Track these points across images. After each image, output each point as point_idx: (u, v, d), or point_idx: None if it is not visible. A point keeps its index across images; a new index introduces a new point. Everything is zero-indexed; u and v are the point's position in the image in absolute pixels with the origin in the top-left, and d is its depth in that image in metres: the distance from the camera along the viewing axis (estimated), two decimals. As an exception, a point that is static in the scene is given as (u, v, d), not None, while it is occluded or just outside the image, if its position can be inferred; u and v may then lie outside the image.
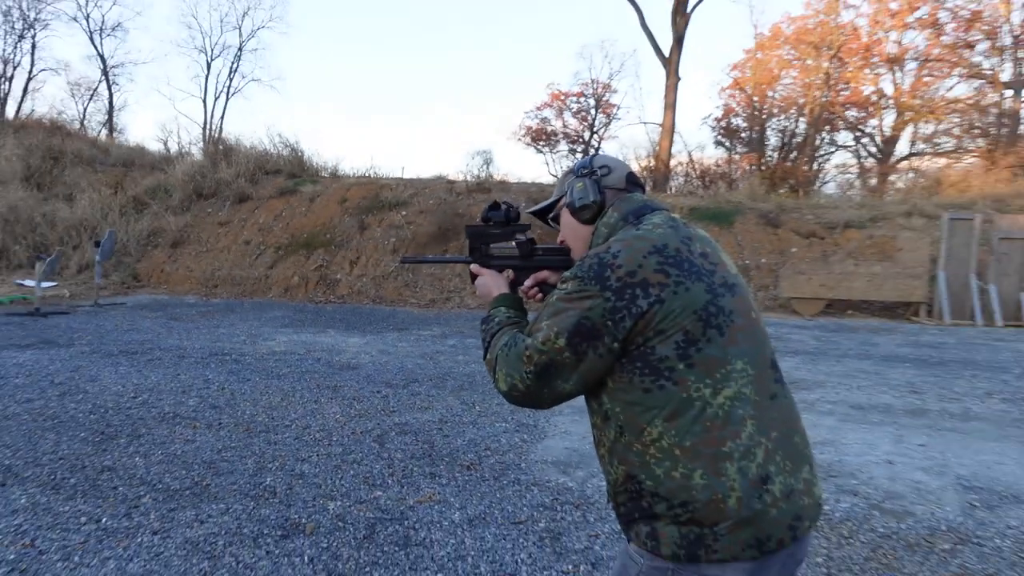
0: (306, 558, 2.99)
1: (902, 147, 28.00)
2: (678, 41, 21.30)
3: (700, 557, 1.22)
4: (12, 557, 2.96)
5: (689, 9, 21.23)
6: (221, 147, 17.07)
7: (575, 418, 5.19)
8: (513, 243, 1.66)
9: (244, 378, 6.29)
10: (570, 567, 2.95)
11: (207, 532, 3.21)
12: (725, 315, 1.29)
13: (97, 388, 5.79)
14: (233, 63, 34.79)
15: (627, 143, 56.20)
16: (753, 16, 49.93)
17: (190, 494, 3.66)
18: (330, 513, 3.45)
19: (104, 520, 3.32)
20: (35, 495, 3.60)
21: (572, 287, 1.30)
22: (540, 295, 1.62)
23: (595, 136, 31.43)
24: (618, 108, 31.47)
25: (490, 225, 1.68)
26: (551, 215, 1.61)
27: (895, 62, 26.47)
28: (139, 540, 3.13)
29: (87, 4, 32.67)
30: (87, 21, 32.80)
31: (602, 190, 1.47)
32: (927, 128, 27.25)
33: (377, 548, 3.09)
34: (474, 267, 1.69)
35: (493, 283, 1.63)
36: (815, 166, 26.56)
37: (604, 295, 1.26)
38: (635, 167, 24.94)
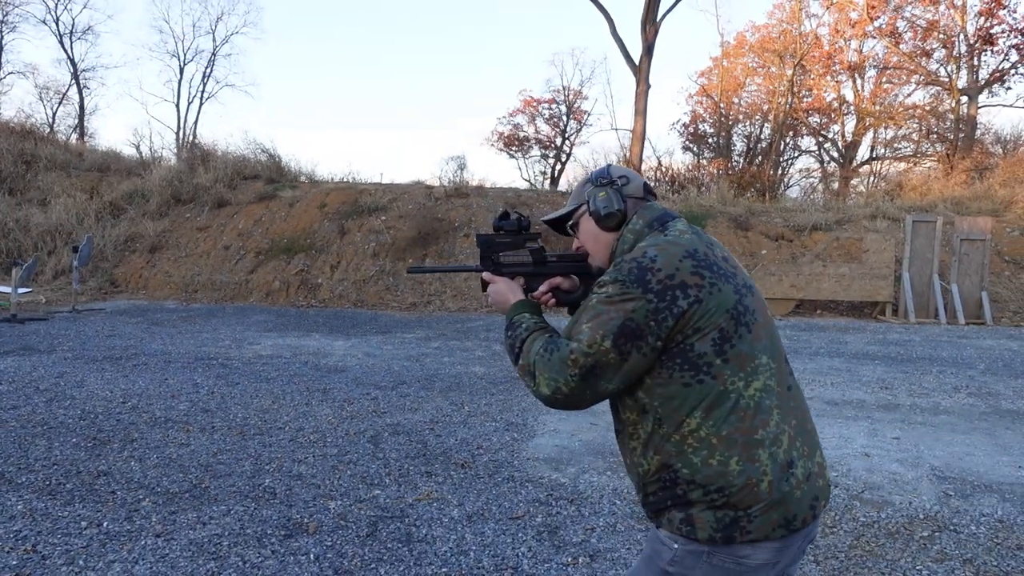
0: (312, 556, 3.06)
1: (863, 152, 28.82)
2: (648, 50, 21.61)
3: (735, 538, 1.32)
4: (15, 563, 2.98)
5: (658, 18, 21.56)
6: (198, 152, 16.90)
7: (562, 417, 5.30)
8: (526, 250, 1.71)
9: (232, 382, 6.30)
10: (569, 559, 3.06)
11: (210, 533, 3.26)
12: (750, 313, 1.40)
13: (84, 394, 5.76)
14: (206, 68, 34.45)
15: (597, 148, 56.65)
16: (720, 25, 50.73)
17: (189, 496, 3.70)
18: (331, 512, 3.51)
19: (105, 524, 3.35)
20: (31, 501, 3.61)
21: (613, 290, 1.37)
22: (553, 300, 1.69)
23: (567, 142, 31.74)
24: (588, 115, 31.86)
25: (501, 234, 1.72)
26: (570, 223, 1.67)
27: (856, 70, 27.19)
28: (143, 543, 3.16)
29: (56, 7, 31.99)
30: (56, 24, 32.21)
31: (624, 199, 1.54)
32: (887, 133, 28.09)
33: (380, 545, 3.17)
34: (486, 275, 1.72)
35: (508, 290, 1.67)
36: (779, 171, 27.12)
37: (647, 297, 1.34)
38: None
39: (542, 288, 1.69)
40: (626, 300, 1.34)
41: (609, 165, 1.65)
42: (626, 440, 1.48)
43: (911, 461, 4.41)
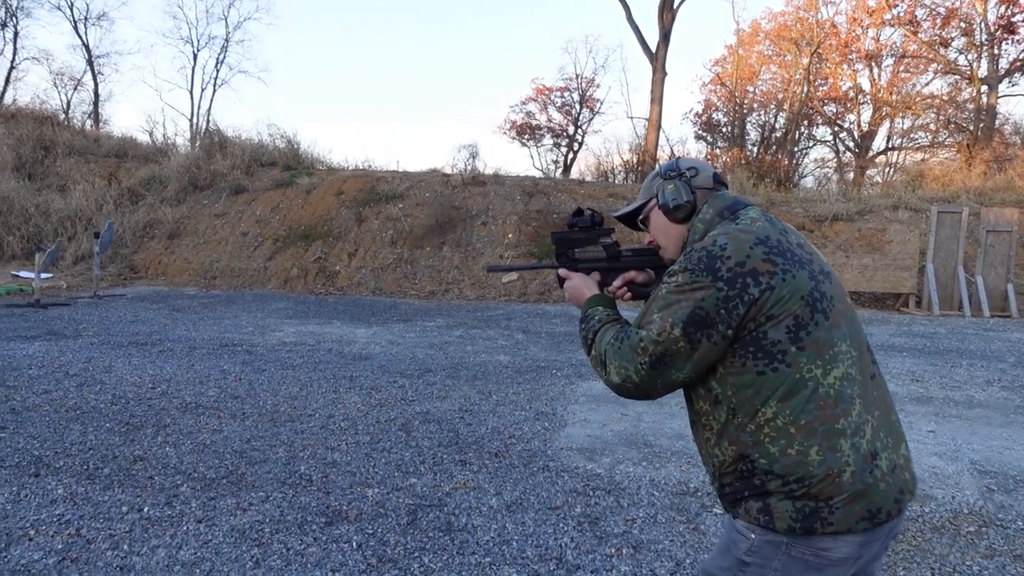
0: (354, 544, 3.05)
1: (879, 142, 28.52)
2: (664, 37, 21.47)
3: (816, 530, 1.29)
4: (60, 546, 2.98)
5: (675, 5, 21.39)
6: (216, 139, 16.92)
7: (592, 406, 5.28)
8: (600, 246, 1.72)
9: (259, 368, 6.31)
10: (612, 550, 3.04)
11: (251, 520, 3.26)
12: (827, 300, 1.36)
13: (114, 379, 5.79)
14: (220, 54, 34.50)
15: (610, 137, 56.45)
16: (735, 12, 50.25)
17: (227, 483, 3.70)
18: (369, 500, 3.50)
19: (146, 509, 3.35)
20: (71, 485, 3.62)
21: (683, 279, 1.36)
22: (629, 294, 1.69)
23: (579, 130, 31.56)
24: (601, 103, 31.67)
25: (575, 231, 1.73)
26: (640, 218, 1.66)
27: (873, 58, 26.85)
28: (185, 528, 3.17)
29: (71, -8, 32.00)
30: (71, 10, 32.31)
31: (693, 190, 1.52)
32: (904, 123, 27.78)
33: (422, 534, 3.15)
34: (563, 271, 1.74)
35: (584, 285, 1.68)
36: (794, 160, 26.91)
37: (716, 285, 1.32)
38: (618, 161, 25.14)
39: (617, 283, 1.69)
40: (696, 289, 1.33)
41: (678, 158, 1.64)
42: (700, 431, 1.46)
43: (950, 455, 4.35)
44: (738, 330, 1.33)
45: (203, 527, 3.18)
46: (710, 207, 1.50)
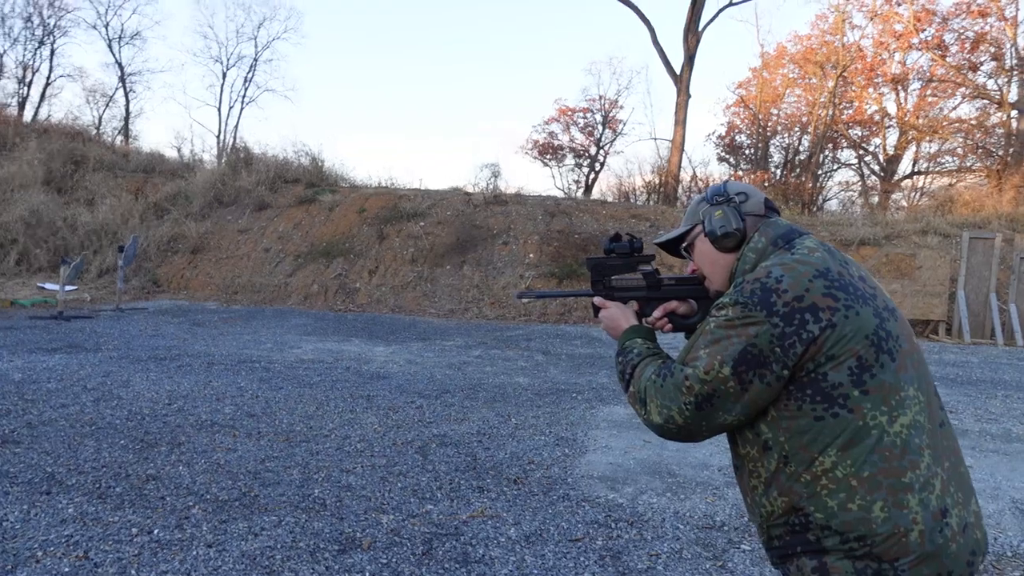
0: (367, 574, 2.94)
1: (904, 166, 28.12)
2: (689, 59, 21.44)
3: None
4: (67, 569, 2.91)
5: (700, 28, 21.39)
6: (242, 155, 17.12)
7: (613, 432, 5.15)
8: (639, 273, 1.62)
9: (276, 386, 6.25)
10: (636, 588, 2.90)
11: (262, 545, 3.17)
12: (893, 340, 1.26)
13: (131, 394, 5.76)
14: (248, 73, 34.96)
15: (632, 158, 56.54)
16: (759, 36, 50.16)
17: (239, 505, 3.62)
18: (384, 527, 3.40)
19: (156, 531, 3.28)
20: (82, 504, 3.56)
21: (734, 313, 1.25)
22: (669, 326, 1.59)
23: (601, 151, 31.51)
24: (624, 124, 31.61)
25: (612, 257, 1.63)
26: (684, 244, 1.56)
27: (899, 82, 26.55)
28: (194, 553, 3.08)
29: (106, 12, 32.75)
30: (106, 29, 32.93)
31: (743, 217, 1.43)
32: (931, 147, 27.36)
33: (437, 565, 3.04)
34: (598, 300, 1.63)
35: (621, 315, 1.58)
36: (817, 183, 26.60)
37: (771, 320, 1.22)
38: (640, 182, 25.02)
39: (657, 313, 1.59)
40: (748, 324, 1.23)
41: (726, 181, 1.54)
42: (746, 478, 1.35)
43: (989, 493, 4.15)
44: (794, 370, 1.22)
45: (213, 552, 3.09)
46: (762, 235, 1.40)
